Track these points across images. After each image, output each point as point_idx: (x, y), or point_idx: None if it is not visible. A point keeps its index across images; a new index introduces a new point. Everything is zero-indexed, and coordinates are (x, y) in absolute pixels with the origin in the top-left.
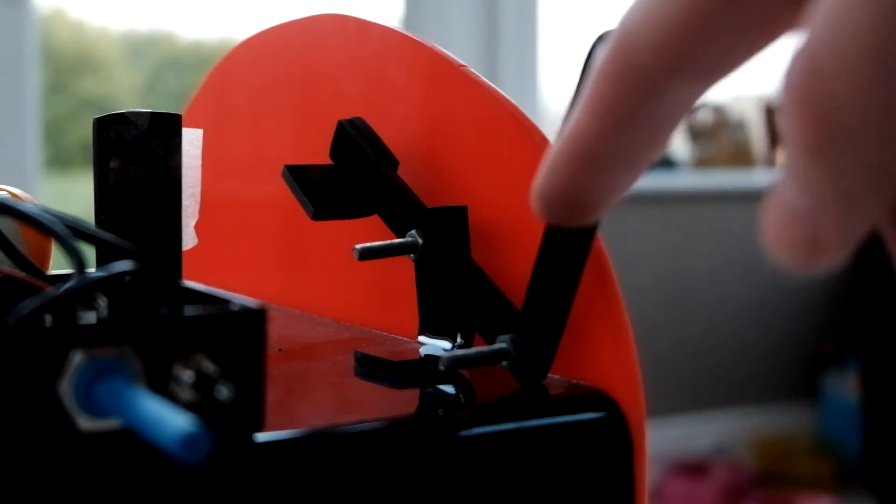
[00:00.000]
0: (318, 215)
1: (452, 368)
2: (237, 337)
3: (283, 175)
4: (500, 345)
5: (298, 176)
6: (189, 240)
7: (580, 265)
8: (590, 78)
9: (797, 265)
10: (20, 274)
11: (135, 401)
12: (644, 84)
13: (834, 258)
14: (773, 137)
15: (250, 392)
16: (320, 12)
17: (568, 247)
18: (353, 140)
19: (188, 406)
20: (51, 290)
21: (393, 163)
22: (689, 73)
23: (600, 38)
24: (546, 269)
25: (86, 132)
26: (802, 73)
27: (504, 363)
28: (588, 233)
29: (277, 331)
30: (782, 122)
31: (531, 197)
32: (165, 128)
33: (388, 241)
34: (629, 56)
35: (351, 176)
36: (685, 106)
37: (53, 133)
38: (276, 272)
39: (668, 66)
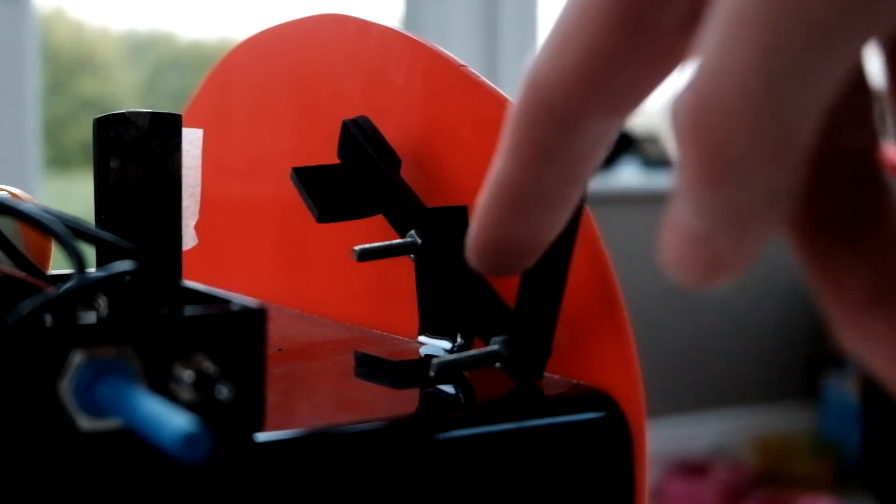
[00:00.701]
0: (323, 217)
1: (443, 374)
2: (237, 337)
3: (291, 177)
4: (492, 347)
5: (306, 178)
6: (189, 240)
7: (566, 263)
8: (507, 121)
9: (697, 284)
10: (20, 274)
11: (135, 401)
12: (559, 123)
13: (732, 276)
14: None
15: (250, 392)
16: (320, 12)
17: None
18: (356, 139)
19: (188, 406)
20: (51, 290)
21: (395, 162)
22: (601, 109)
23: None
24: (534, 268)
25: (86, 132)
26: (689, 107)
27: (497, 365)
28: (571, 231)
29: (277, 331)
30: (673, 150)
31: (466, 249)
32: (165, 128)
33: (387, 242)
34: (541, 96)
35: (355, 176)
36: (603, 140)
37: (53, 133)
38: (276, 272)
39: (580, 104)
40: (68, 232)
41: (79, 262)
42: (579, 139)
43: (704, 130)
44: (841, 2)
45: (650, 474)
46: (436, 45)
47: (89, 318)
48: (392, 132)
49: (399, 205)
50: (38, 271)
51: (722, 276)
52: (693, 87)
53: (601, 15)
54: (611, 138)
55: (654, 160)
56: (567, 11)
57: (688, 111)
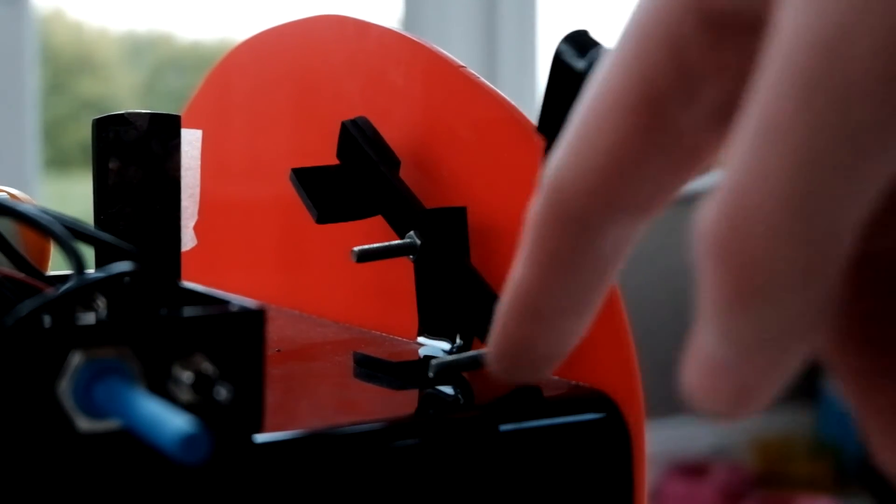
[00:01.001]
0: (322, 219)
1: (442, 375)
2: (236, 338)
3: (290, 178)
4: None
5: (305, 179)
6: (188, 240)
7: None
8: (526, 228)
9: (724, 415)
10: (19, 275)
11: (134, 401)
12: (580, 231)
13: (759, 406)
14: None
15: (249, 393)
16: (319, 13)
17: None
18: (355, 140)
19: (187, 407)
20: (50, 291)
21: (394, 163)
22: (623, 215)
23: (566, 40)
24: None
25: (85, 133)
26: (718, 225)
27: None
28: None
29: (276, 331)
30: (697, 272)
31: (487, 356)
32: (164, 129)
33: (386, 243)
34: (561, 204)
35: (354, 177)
36: (624, 244)
37: (53, 134)
38: (275, 273)
39: (601, 211)
40: (67, 233)
41: (78, 263)
42: (601, 245)
43: (733, 250)
44: (886, 109)
45: (649, 475)
46: (435, 45)
47: (88, 319)
48: (391, 133)
49: (398, 206)
50: (37, 272)
51: (751, 406)
52: (722, 201)
53: (622, 113)
54: (634, 241)
55: None
56: (586, 111)
57: (715, 229)
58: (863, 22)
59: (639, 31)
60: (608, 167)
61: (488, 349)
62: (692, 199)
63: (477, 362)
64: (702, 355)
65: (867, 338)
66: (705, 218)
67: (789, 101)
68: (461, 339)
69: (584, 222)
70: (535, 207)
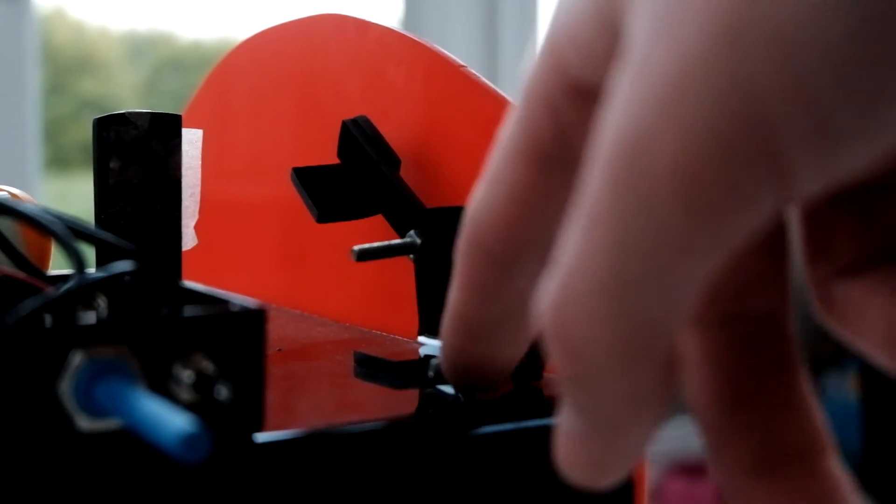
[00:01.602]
0: (322, 218)
1: (442, 375)
2: (237, 337)
3: (291, 177)
4: None
5: (305, 178)
6: (189, 240)
7: None
8: (455, 254)
9: (580, 482)
10: (20, 274)
11: (134, 401)
12: (494, 263)
13: (614, 477)
14: None
15: (250, 392)
16: (320, 13)
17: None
18: (356, 140)
19: (188, 406)
20: (50, 291)
21: (395, 162)
22: (533, 251)
23: None
24: None
25: (86, 132)
26: (550, 302)
27: None
28: None
29: (277, 331)
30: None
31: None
32: (165, 128)
33: (386, 242)
34: (477, 238)
35: (355, 176)
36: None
37: (53, 133)
38: (275, 272)
39: (511, 248)
40: (68, 232)
41: (79, 262)
42: (518, 277)
43: (559, 333)
44: (695, 207)
45: (650, 474)
46: (435, 45)
47: (89, 318)
48: (392, 132)
49: (398, 205)
50: (37, 272)
51: (604, 476)
52: (553, 283)
53: (516, 166)
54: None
55: None
56: (494, 157)
57: (548, 306)
58: (662, 124)
59: (527, 92)
60: (511, 210)
61: (440, 361)
62: None
63: None
64: (563, 427)
65: (728, 384)
66: (541, 297)
67: (605, 192)
68: None
69: (496, 256)
70: (460, 237)
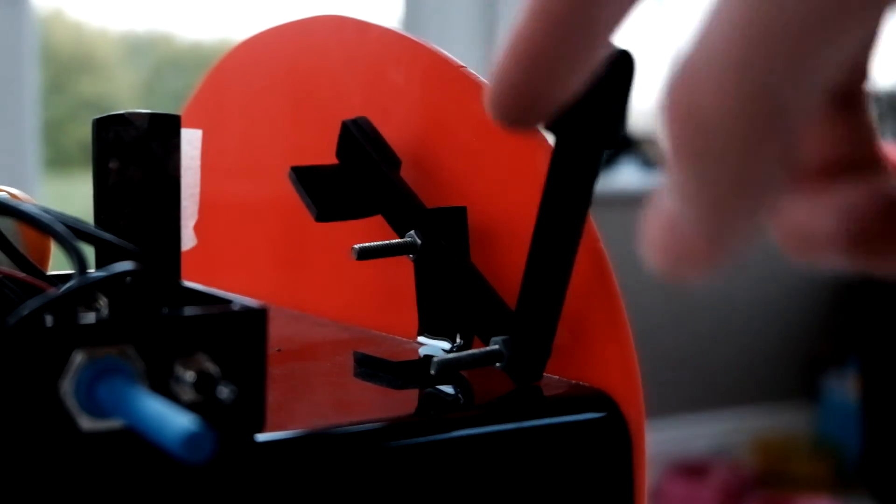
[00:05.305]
0: (321, 217)
1: (444, 372)
2: (238, 337)
3: (290, 176)
4: (492, 347)
5: (304, 177)
6: (188, 240)
7: (567, 263)
8: None
9: (670, 272)
10: (21, 274)
11: (136, 401)
12: None
13: (706, 267)
14: None
15: (251, 392)
16: (319, 13)
17: (556, 247)
18: (356, 140)
19: (189, 406)
20: (52, 291)
21: (395, 163)
22: None
23: None
24: (536, 269)
25: (85, 133)
26: (676, 83)
27: (497, 364)
28: (574, 233)
29: (276, 331)
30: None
31: (485, 101)
32: (164, 128)
33: (386, 241)
34: None
35: (355, 176)
36: (624, 9)
37: (53, 133)
38: (274, 272)
39: None
40: (69, 232)
41: (80, 262)
42: (600, 8)
43: (686, 104)
44: None
45: (650, 474)
46: (435, 45)
47: (90, 318)
48: (391, 133)
49: (398, 205)
50: (38, 272)
51: (695, 265)
52: (683, 63)
53: None
54: (632, 7)
55: (654, 161)
56: None
57: (674, 87)
58: None
59: None
60: None
61: (487, 93)
62: None
63: (478, 361)
64: (660, 212)
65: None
66: (670, 77)
67: None
68: (461, 338)
69: None
70: None
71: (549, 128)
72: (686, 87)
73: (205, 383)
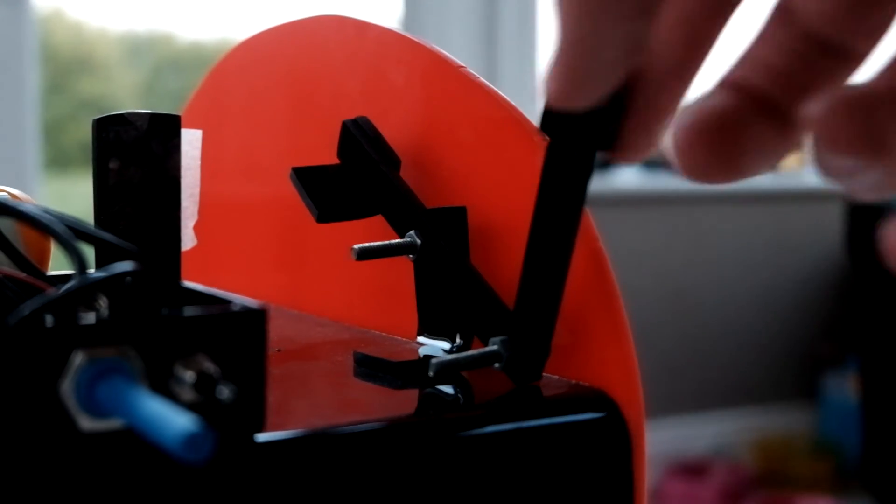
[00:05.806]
0: (322, 217)
1: (442, 374)
2: (238, 337)
3: (291, 177)
4: (491, 347)
5: (305, 178)
6: (188, 240)
7: (565, 263)
8: None
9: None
10: (21, 274)
11: (136, 401)
12: None
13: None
14: None
15: (251, 392)
16: (319, 13)
17: (552, 246)
18: (356, 140)
19: (189, 406)
20: (52, 291)
21: (395, 163)
22: None
23: None
24: (532, 270)
25: (85, 133)
26: None
27: (496, 365)
28: (570, 232)
29: (276, 331)
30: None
31: (545, 77)
32: (164, 129)
33: (386, 242)
34: None
35: (355, 176)
36: None
37: (53, 133)
38: (274, 273)
39: None
40: (69, 232)
41: (80, 262)
42: None
43: None
44: None
45: (649, 474)
46: (435, 45)
47: (90, 318)
48: (391, 133)
49: (398, 205)
50: (38, 272)
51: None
52: None
53: None
54: None
55: (654, 160)
56: None
57: None
58: None
59: None
60: None
61: (546, 70)
62: (693, 200)
63: (478, 361)
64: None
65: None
66: None
67: None
68: (461, 338)
69: None
70: None
71: (543, 127)
72: None
73: (205, 383)
